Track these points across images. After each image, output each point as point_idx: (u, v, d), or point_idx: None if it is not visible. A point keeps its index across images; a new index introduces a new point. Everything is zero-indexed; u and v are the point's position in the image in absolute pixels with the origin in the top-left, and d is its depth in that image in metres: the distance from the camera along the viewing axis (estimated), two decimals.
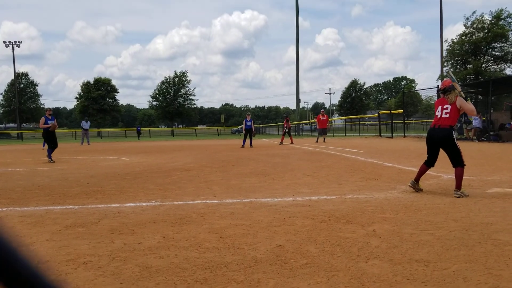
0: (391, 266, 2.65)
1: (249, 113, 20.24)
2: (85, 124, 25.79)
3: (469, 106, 5.36)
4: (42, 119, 12.32)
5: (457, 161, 5.21)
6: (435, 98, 25.09)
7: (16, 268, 0.32)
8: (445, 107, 5.33)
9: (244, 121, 18.96)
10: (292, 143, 20.26)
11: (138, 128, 46.45)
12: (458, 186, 5.11)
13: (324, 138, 21.75)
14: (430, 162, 5.53)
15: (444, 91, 5.44)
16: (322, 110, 23.00)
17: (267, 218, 4.10)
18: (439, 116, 5.35)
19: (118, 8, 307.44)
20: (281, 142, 20.45)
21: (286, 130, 21.03)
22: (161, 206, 4.91)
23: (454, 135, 5.30)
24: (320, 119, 21.76)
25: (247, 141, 18.43)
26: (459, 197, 4.99)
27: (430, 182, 6.29)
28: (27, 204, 5.15)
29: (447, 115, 5.27)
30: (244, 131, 18.77)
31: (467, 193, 5.09)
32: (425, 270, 2.56)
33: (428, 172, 5.74)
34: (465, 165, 5.22)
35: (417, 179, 5.51)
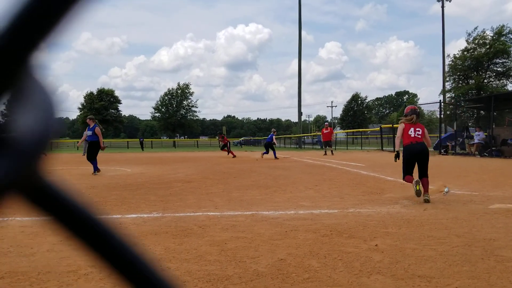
0: (394, 281, 2.63)
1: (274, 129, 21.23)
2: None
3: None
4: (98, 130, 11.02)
5: (426, 172, 6.08)
6: (437, 113, 25.21)
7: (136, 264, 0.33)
8: (417, 129, 6.26)
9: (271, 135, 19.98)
10: (234, 156, 20.51)
11: (141, 139, 46.59)
12: (427, 190, 5.93)
13: (332, 151, 21.82)
14: (411, 172, 6.20)
15: (408, 114, 6.42)
16: (326, 123, 23.12)
17: (269, 231, 4.08)
18: (413, 135, 6.20)
19: (124, 20, 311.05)
20: (234, 155, 20.58)
21: (221, 144, 21.64)
22: (163, 217, 4.90)
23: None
24: (323, 132, 21.89)
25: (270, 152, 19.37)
26: (428, 198, 5.82)
27: (432, 197, 6.26)
28: (28, 214, 5.14)
29: (420, 136, 6.19)
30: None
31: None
32: (428, 286, 2.54)
33: (431, 187, 6.10)
34: None
35: (426, 190, 5.94)
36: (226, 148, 21.33)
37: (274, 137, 19.75)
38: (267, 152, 19.25)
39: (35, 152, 0.27)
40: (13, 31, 0.25)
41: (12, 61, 0.26)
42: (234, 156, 20.41)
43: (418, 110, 6.55)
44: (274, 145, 19.47)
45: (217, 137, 22.62)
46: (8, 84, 0.26)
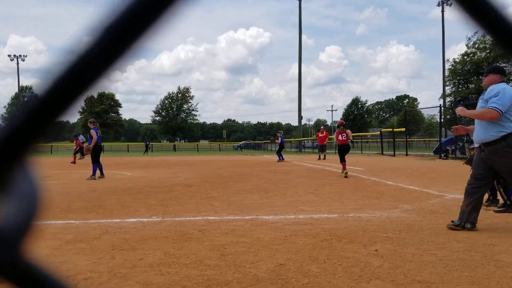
0: (393, 287, 2.63)
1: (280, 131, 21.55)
2: (82, 138, 25.49)
3: (349, 133, 11.47)
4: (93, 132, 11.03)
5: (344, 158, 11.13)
6: (437, 117, 25.30)
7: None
8: (343, 134, 11.23)
9: (280, 138, 20.25)
10: (74, 162, 19.54)
11: (147, 143, 46.33)
12: (345, 168, 10.71)
13: (324, 155, 21.58)
14: (343, 160, 10.99)
15: (339, 126, 11.47)
16: (322, 127, 23.08)
17: (268, 236, 4.08)
18: (341, 139, 11.27)
19: None
20: (74, 161, 19.67)
21: (77, 148, 20.86)
22: (162, 222, 4.90)
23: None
24: (319, 136, 21.80)
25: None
26: (347, 176, 10.25)
27: (432, 201, 6.26)
28: None
29: (345, 139, 11.23)
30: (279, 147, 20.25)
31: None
32: None
33: (431, 191, 6.57)
34: None
35: (345, 168, 10.71)
36: (79, 153, 20.44)
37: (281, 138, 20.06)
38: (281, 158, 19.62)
39: (18, 239, 0.30)
40: (12, 135, 0.28)
41: (8, 159, 0.29)
42: (74, 162, 19.35)
43: (344, 122, 11.80)
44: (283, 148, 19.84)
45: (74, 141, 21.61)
46: (3, 178, 0.29)
